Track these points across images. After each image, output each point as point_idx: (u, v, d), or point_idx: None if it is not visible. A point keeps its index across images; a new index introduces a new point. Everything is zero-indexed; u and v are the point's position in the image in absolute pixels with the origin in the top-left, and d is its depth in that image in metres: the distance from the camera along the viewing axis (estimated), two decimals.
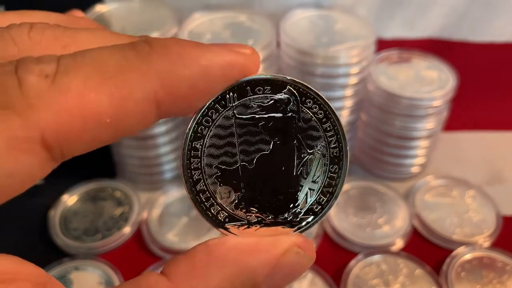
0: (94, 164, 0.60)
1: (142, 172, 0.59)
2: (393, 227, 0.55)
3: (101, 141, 0.19)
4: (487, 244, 0.54)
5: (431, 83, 0.56)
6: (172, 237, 0.53)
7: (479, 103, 0.70)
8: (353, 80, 0.54)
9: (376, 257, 0.51)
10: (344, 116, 0.56)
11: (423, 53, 0.60)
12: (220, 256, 0.20)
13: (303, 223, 0.22)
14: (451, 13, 0.63)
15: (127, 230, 0.54)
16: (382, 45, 0.61)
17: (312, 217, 0.22)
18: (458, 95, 0.57)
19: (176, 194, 0.58)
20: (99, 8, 0.55)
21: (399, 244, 0.54)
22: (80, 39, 0.20)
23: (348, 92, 0.55)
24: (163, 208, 0.57)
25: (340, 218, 0.56)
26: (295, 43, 0.52)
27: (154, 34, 0.51)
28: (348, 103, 0.56)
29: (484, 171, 0.63)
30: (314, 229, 0.54)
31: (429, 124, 0.57)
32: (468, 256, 0.52)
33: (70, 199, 0.57)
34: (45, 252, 0.52)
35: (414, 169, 0.62)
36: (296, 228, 0.22)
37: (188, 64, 0.19)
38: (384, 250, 0.52)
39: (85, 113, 0.17)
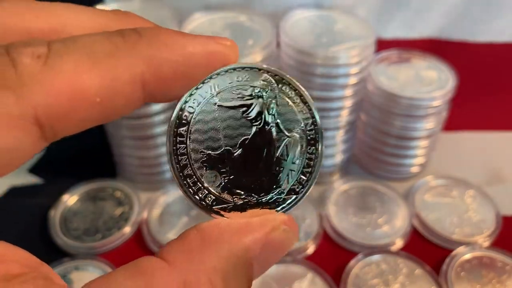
0: (94, 164, 0.60)
1: (142, 172, 0.59)
2: (393, 227, 0.55)
3: (92, 121, 0.20)
4: (486, 244, 0.54)
5: (431, 83, 0.56)
6: (172, 237, 0.53)
7: (479, 103, 0.70)
8: (353, 80, 0.54)
9: (376, 257, 0.52)
10: (344, 116, 0.57)
11: (423, 53, 0.60)
12: (215, 238, 0.20)
13: (287, 203, 0.23)
14: (451, 13, 0.64)
15: (127, 230, 0.54)
16: (382, 45, 0.61)
17: (295, 196, 0.23)
18: (457, 95, 0.57)
19: (176, 194, 0.58)
20: (99, 8, 0.55)
21: (399, 244, 0.54)
22: (53, 9, 0.22)
23: (348, 92, 0.55)
24: (163, 208, 0.57)
25: (340, 218, 0.56)
26: (295, 43, 0.52)
27: None
28: (348, 103, 0.56)
29: (483, 171, 0.63)
30: (314, 228, 0.54)
31: (428, 124, 0.57)
32: (467, 256, 0.52)
33: (70, 199, 0.57)
34: (45, 252, 0.52)
35: (414, 169, 0.62)
36: (280, 208, 0.23)
37: (173, 50, 0.20)
38: (384, 250, 0.53)
39: (76, 92, 0.18)
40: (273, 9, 0.59)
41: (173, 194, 0.58)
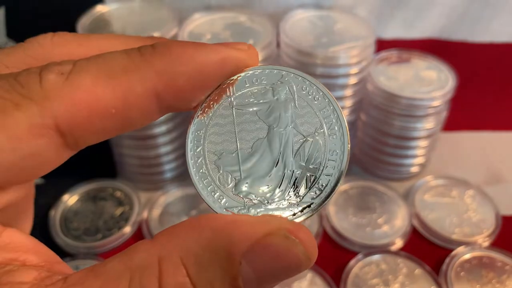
0: (95, 164, 0.60)
1: (142, 172, 0.59)
2: (393, 227, 0.55)
3: (109, 131, 0.22)
4: (486, 243, 0.54)
5: (431, 83, 0.56)
6: None
7: (479, 103, 0.70)
8: (352, 80, 0.54)
9: (376, 257, 0.52)
10: (343, 116, 0.57)
11: (422, 53, 0.60)
12: (201, 223, 0.21)
13: (302, 210, 0.22)
14: (451, 13, 0.64)
15: (128, 229, 0.54)
16: (382, 45, 0.61)
17: (312, 203, 0.22)
18: (457, 95, 0.57)
19: (176, 193, 0.58)
20: (99, 8, 0.55)
21: (398, 243, 0.54)
22: (93, 38, 0.25)
23: (348, 92, 0.55)
24: (163, 208, 0.57)
25: (340, 217, 0.56)
26: (295, 43, 0.52)
27: (155, 35, 0.51)
28: (348, 103, 0.56)
29: (483, 171, 0.63)
30: (314, 228, 0.54)
31: (428, 124, 0.57)
32: (467, 256, 0.52)
33: (70, 199, 0.57)
34: None
35: (414, 169, 0.62)
36: (293, 214, 0.22)
37: (185, 61, 0.21)
38: (383, 249, 0.53)
39: (92, 104, 0.20)
40: (273, 9, 0.59)
41: (173, 194, 0.58)
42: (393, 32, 0.65)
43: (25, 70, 0.21)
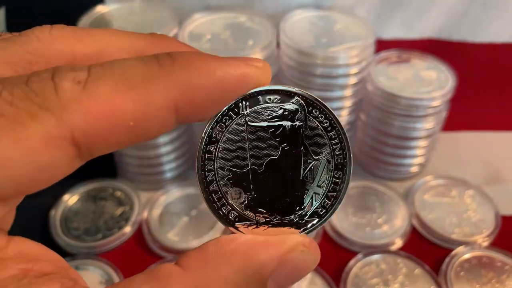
0: (95, 164, 0.60)
1: (142, 172, 0.59)
2: (393, 227, 0.55)
3: (125, 143, 0.21)
4: (486, 243, 0.54)
5: (430, 84, 0.56)
6: (172, 237, 0.53)
7: (478, 103, 0.70)
8: (352, 80, 0.54)
9: (376, 257, 0.52)
10: (343, 116, 0.57)
11: (422, 53, 0.60)
12: (231, 250, 0.21)
13: (309, 225, 0.23)
14: (450, 14, 0.64)
15: (128, 229, 0.54)
16: (382, 45, 0.61)
17: (317, 219, 0.24)
18: (457, 95, 0.57)
19: (176, 193, 0.59)
20: (99, 8, 0.55)
21: (398, 243, 0.54)
22: (94, 34, 0.23)
23: (348, 92, 0.55)
24: (164, 208, 0.57)
25: (340, 217, 0.56)
26: (294, 43, 0.52)
27: None
28: (348, 103, 0.56)
29: (483, 171, 0.63)
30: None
31: (428, 124, 0.57)
32: (467, 256, 0.52)
33: (71, 199, 0.57)
34: None
35: (413, 169, 0.62)
36: (302, 229, 0.23)
37: (205, 76, 0.21)
38: (383, 249, 0.53)
39: (111, 116, 0.19)
40: (273, 9, 0.59)
41: (173, 194, 0.59)
42: (393, 32, 0.65)
43: (35, 75, 0.20)
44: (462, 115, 0.67)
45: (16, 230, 0.58)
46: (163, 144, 0.56)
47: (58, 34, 0.23)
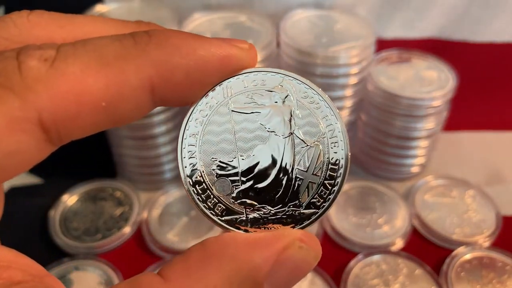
0: (94, 164, 0.60)
1: (142, 172, 0.59)
2: (393, 227, 0.55)
3: (97, 126, 0.19)
4: (486, 244, 0.54)
5: (431, 83, 0.56)
6: (172, 237, 0.53)
7: (479, 103, 0.70)
8: (353, 80, 0.54)
9: (376, 257, 0.51)
10: (344, 116, 0.57)
11: (423, 53, 0.60)
12: (216, 253, 0.19)
13: (305, 217, 0.21)
14: (451, 13, 0.63)
15: (127, 230, 0.54)
16: (382, 45, 0.61)
17: (314, 211, 0.21)
18: (457, 95, 0.57)
19: (176, 194, 0.58)
20: (99, 8, 0.55)
21: (399, 244, 0.54)
22: (77, 20, 0.22)
23: (348, 92, 0.55)
24: (163, 208, 0.57)
25: (340, 218, 0.56)
26: (295, 43, 0.52)
27: None
28: (348, 103, 0.56)
29: (483, 171, 0.63)
30: (314, 228, 0.54)
31: (429, 124, 0.57)
32: (468, 256, 0.52)
33: (70, 199, 0.57)
34: (45, 252, 0.52)
35: (414, 169, 0.62)
36: (298, 222, 0.21)
37: (185, 54, 0.19)
38: (384, 250, 0.53)
39: (81, 96, 0.18)
40: (273, 9, 0.59)
41: (173, 194, 0.58)
42: (393, 32, 0.64)
43: None
44: (462, 115, 0.67)
45: (15, 230, 0.59)
46: (163, 144, 0.56)
47: (37, 20, 0.21)
